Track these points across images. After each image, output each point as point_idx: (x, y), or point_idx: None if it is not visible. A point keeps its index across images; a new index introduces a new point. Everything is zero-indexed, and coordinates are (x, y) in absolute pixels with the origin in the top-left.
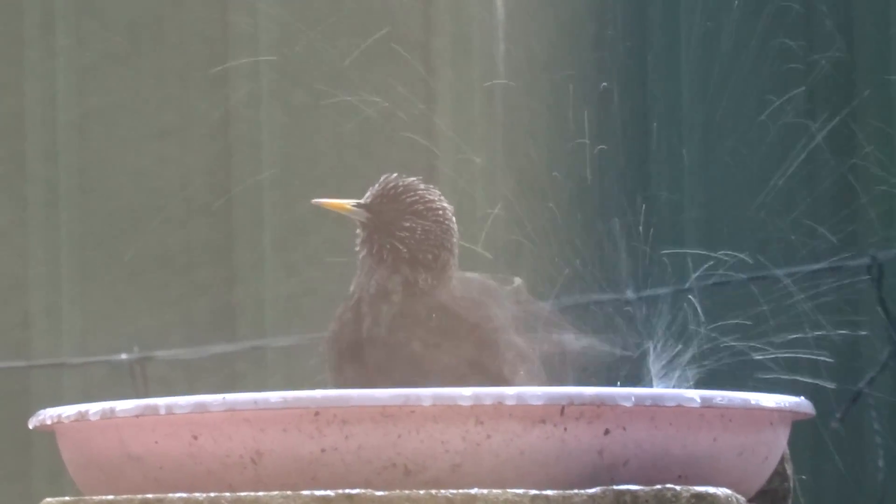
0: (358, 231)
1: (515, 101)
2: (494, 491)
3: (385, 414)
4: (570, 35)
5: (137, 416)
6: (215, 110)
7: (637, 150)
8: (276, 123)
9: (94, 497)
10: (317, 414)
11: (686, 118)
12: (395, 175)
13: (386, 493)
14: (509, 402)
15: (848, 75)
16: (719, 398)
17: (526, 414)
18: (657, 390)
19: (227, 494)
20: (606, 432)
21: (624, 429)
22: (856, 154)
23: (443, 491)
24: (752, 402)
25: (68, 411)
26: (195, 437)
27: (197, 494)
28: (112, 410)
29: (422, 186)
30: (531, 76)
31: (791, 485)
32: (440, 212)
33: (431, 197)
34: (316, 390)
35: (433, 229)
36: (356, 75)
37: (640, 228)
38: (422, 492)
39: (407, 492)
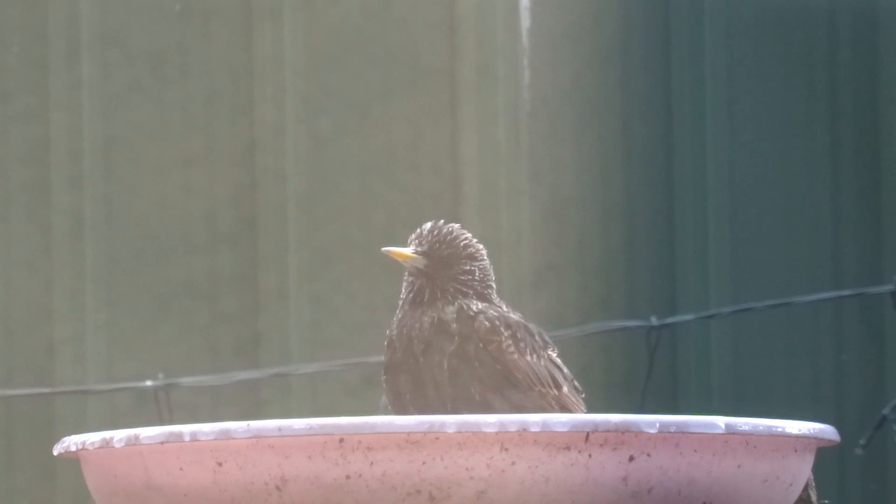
0: (409, 277)
1: (541, 128)
2: None
3: (410, 440)
4: (595, 64)
5: (162, 443)
6: (240, 138)
7: (662, 177)
8: (302, 152)
9: None
10: (341, 441)
11: (710, 142)
12: (441, 221)
13: None
14: (534, 429)
15: (873, 98)
16: (744, 425)
17: (550, 441)
18: (681, 417)
19: None
20: (631, 459)
21: (648, 455)
22: (881, 179)
23: None
24: (777, 428)
25: (93, 438)
26: (220, 464)
27: None
28: (137, 437)
29: (464, 230)
30: (556, 104)
31: None
32: (483, 252)
33: (475, 239)
34: (340, 417)
35: (486, 268)
36: (381, 103)
37: (666, 255)
38: None
39: None
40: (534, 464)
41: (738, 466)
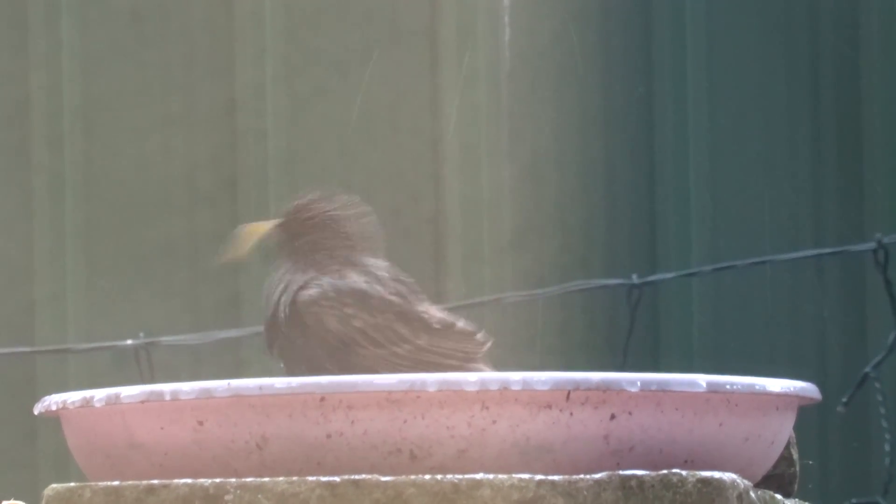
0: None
1: (521, 88)
2: (500, 476)
3: (390, 399)
4: (575, 23)
5: (143, 402)
6: (220, 98)
7: (642, 136)
8: (281, 112)
9: (100, 483)
10: (322, 399)
11: (691, 101)
12: (306, 194)
13: (392, 478)
14: (515, 388)
15: (855, 54)
16: (725, 383)
17: (531, 399)
18: (663, 375)
19: (233, 480)
20: (612, 417)
21: (630, 414)
22: (863, 137)
23: (448, 476)
24: (758, 386)
25: (73, 397)
26: (200, 423)
27: (202, 480)
28: (117, 396)
29: (327, 197)
30: (536, 63)
31: (797, 469)
32: (356, 213)
33: (341, 202)
34: (321, 376)
35: (354, 232)
36: (361, 63)
37: (646, 213)
38: (427, 477)
39: (413, 477)
40: (515, 422)
41: (720, 425)
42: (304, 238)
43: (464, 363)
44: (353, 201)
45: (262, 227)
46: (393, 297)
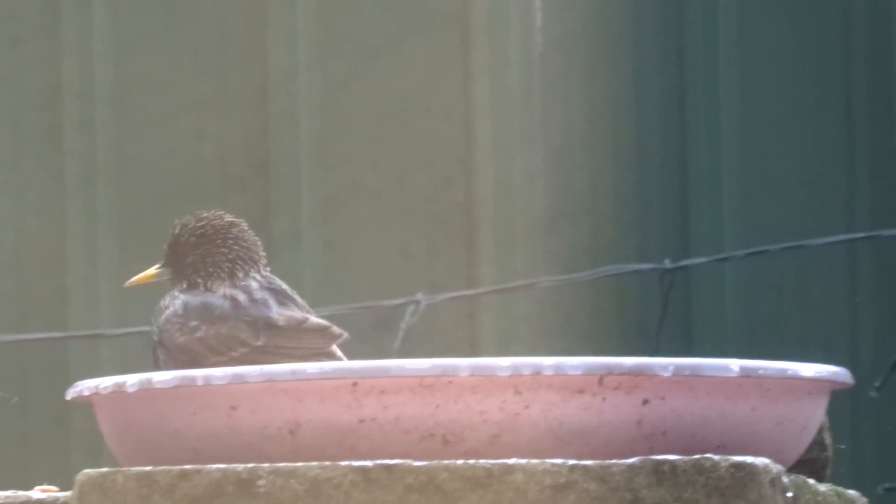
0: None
1: (553, 72)
2: (533, 461)
3: (423, 384)
4: (606, 6)
5: (175, 388)
6: (253, 83)
7: (674, 119)
8: (314, 96)
9: (133, 468)
10: (355, 384)
11: (723, 84)
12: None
13: (424, 463)
14: (547, 373)
15: (888, 36)
16: (757, 368)
17: (564, 384)
18: (695, 360)
19: (266, 465)
20: (645, 402)
21: (662, 399)
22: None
23: (481, 461)
24: (790, 371)
25: (105, 383)
26: (233, 409)
27: (235, 466)
28: (150, 382)
29: (201, 215)
30: (568, 47)
31: (830, 454)
32: (231, 227)
33: (217, 218)
34: (354, 361)
35: (231, 248)
36: (394, 48)
37: (679, 197)
38: (460, 462)
39: (445, 462)
40: (547, 407)
41: (752, 409)
42: (188, 259)
43: (309, 357)
44: (223, 216)
45: (148, 275)
46: (247, 305)
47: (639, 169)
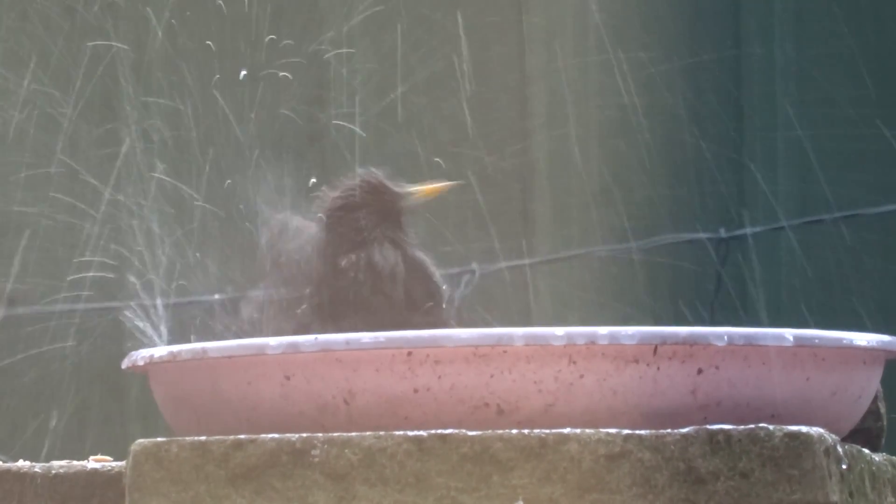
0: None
1: (608, 40)
2: (587, 431)
3: (478, 354)
4: None
5: (229, 357)
6: (307, 52)
7: (730, 88)
8: (368, 67)
9: (187, 438)
10: (409, 354)
11: (778, 51)
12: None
13: (479, 432)
14: (602, 342)
15: None
16: (812, 337)
17: (619, 353)
18: (750, 330)
19: (320, 435)
20: (699, 372)
21: (717, 368)
22: None
23: (536, 431)
24: (845, 341)
25: (160, 352)
26: (287, 378)
27: (289, 435)
28: (204, 351)
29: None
30: (623, 14)
31: (885, 424)
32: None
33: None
34: (409, 330)
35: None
36: (447, 17)
37: (734, 167)
38: (514, 431)
39: (500, 431)
40: (602, 376)
41: (807, 379)
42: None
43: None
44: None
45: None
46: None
47: (694, 138)
